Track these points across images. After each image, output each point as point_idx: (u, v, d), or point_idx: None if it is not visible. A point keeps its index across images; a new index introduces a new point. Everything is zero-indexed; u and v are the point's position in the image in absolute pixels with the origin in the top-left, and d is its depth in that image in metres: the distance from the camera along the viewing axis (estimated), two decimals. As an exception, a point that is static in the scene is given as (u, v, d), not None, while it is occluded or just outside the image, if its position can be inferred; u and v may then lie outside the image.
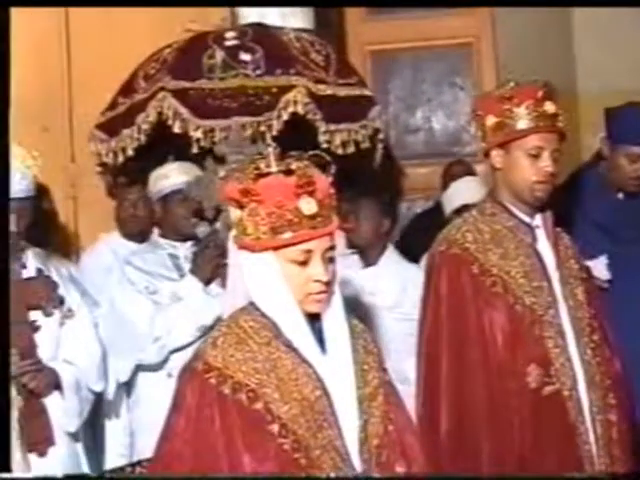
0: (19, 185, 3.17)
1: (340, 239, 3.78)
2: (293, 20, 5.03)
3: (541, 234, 2.82)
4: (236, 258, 2.44)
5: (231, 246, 3.11)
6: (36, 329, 3.17)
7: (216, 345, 2.24)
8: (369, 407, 2.27)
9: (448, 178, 4.72)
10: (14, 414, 3.03)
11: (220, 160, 3.66)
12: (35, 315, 3.18)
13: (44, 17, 4.43)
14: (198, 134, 3.68)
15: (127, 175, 4.03)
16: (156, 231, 3.80)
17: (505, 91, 2.79)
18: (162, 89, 3.76)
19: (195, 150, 3.69)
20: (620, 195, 3.36)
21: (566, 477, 2.68)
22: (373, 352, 2.38)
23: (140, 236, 3.97)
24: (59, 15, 4.52)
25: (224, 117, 3.69)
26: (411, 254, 3.96)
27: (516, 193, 2.79)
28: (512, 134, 2.76)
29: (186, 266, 3.66)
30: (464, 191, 4.35)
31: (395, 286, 3.79)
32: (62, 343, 3.23)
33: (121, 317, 3.53)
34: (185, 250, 3.70)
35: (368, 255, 3.88)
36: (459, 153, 5.40)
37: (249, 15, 4.75)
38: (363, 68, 5.29)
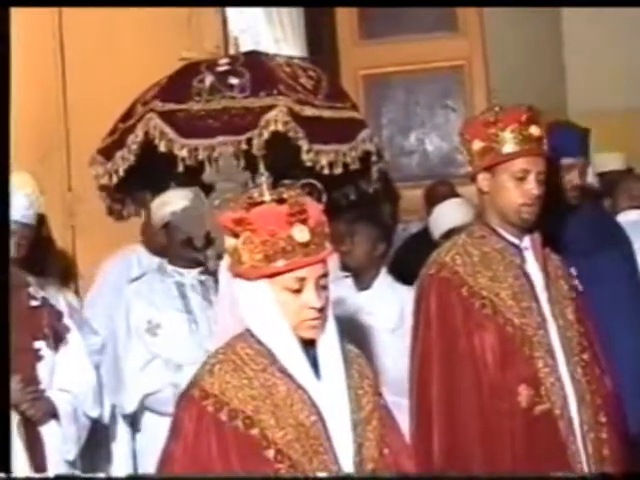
0: (25, 211, 3.23)
1: (335, 262, 3.82)
2: (285, 46, 5.10)
3: (529, 255, 2.85)
4: (225, 286, 2.49)
5: (221, 275, 3.17)
6: (39, 358, 3.21)
7: (213, 372, 2.29)
8: (364, 431, 2.31)
9: (433, 200, 4.77)
10: (19, 441, 3.09)
11: (208, 188, 3.71)
12: (39, 344, 3.22)
13: (39, 47, 4.49)
14: (183, 153, 3.75)
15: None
16: (165, 259, 3.83)
17: (490, 115, 2.83)
18: (151, 111, 3.84)
19: (180, 169, 3.75)
20: (566, 213, 3.37)
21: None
22: (368, 376, 2.42)
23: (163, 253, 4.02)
24: (54, 44, 4.57)
25: (208, 136, 3.77)
26: (404, 276, 3.99)
27: (503, 216, 2.84)
28: (498, 158, 2.80)
29: (192, 295, 3.68)
30: (449, 214, 4.41)
31: (393, 309, 3.82)
32: (56, 371, 3.26)
33: (118, 360, 3.58)
34: (191, 278, 3.72)
35: (362, 279, 3.90)
36: (453, 174, 5.46)
37: (243, 43, 4.82)
38: (356, 92, 5.36)
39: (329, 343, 2.32)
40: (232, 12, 4.79)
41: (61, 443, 3.19)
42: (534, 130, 2.82)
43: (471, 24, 5.73)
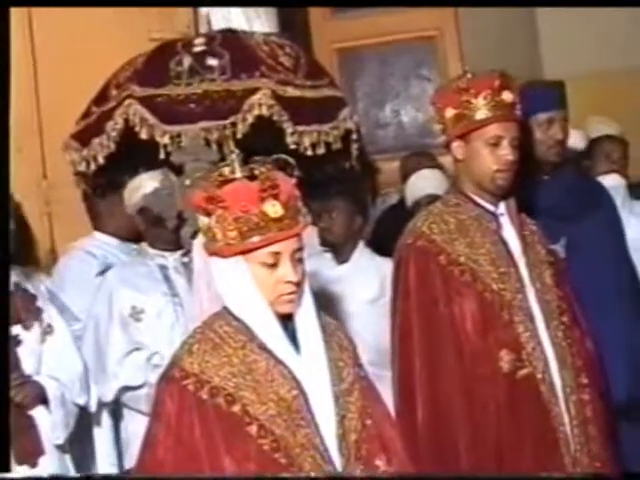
0: None
1: (314, 237, 3.82)
2: (258, 23, 5.05)
3: (506, 221, 2.85)
4: (200, 265, 2.48)
5: (195, 254, 3.15)
6: (18, 343, 3.20)
7: (192, 352, 2.28)
8: (345, 403, 2.32)
9: (408, 171, 4.77)
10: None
11: (178, 169, 3.68)
12: (16, 330, 3.20)
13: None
14: (165, 140, 3.69)
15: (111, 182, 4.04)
16: (144, 242, 3.79)
17: (462, 82, 2.82)
18: (129, 96, 3.79)
19: (162, 156, 3.71)
20: (545, 177, 3.34)
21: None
22: (348, 348, 2.42)
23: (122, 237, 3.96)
24: (23, 28, 4.52)
25: (190, 122, 3.70)
26: (382, 247, 4.00)
27: (478, 183, 2.83)
28: (471, 125, 2.80)
29: (175, 277, 3.64)
30: (421, 183, 4.41)
31: (372, 280, 3.82)
32: (44, 359, 3.25)
33: (99, 346, 3.56)
34: (174, 261, 3.68)
35: (341, 252, 3.90)
36: (430, 145, 5.42)
37: (214, 20, 4.78)
38: (330, 66, 5.31)
39: (307, 317, 2.32)
40: (202, -11, 4.75)
41: (50, 428, 3.19)
42: (507, 96, 2.81)
43: (442, -7, 5.70)
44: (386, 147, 5.62)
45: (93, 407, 3.44)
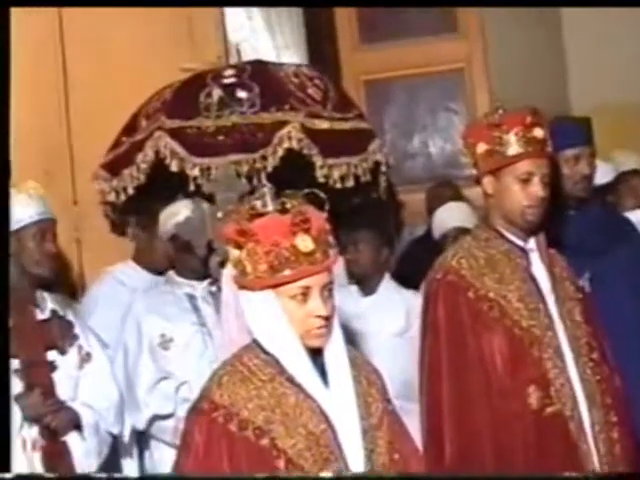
0: (40, 208, 3.27)
1: (340, 270, 3.82)
2: (287, 54, 5.11)
3: (535, 257, 2.85)
4: (230, 297, 2.49)
5: (224, 284, 3.16)
6: (54, 368, 3.23)
7: (221, 384, 2.29)
8: (374, 437, 2.32)
9: (436, 202, 4.77)
10: (36, 455, 3.11)
11: (209, 198, 3.69)
12: (52, 355, 3.24)
13: (41, 61, 4.49)
14: (195, 172, 3.73)
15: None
16: (172, 270, 3.79)
17: (494, 118, 2.83)
18: (159, 128, 3.82)
19: (192, 188, 3.74)
20: (572, 212, 3.34)
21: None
22: (376, 383, 2.42)
23: (155, 270, 3.98)
24: (56, 58, 4.56)
25: (220, 155, 3.74)
26: (409, 279, 4.00)
27: (508, 218, 2.84)
28: (502, 161, 2.80)
29: (204, 307, 3.65)
30: (448, 215, 4.42)
31: (399, 313, 3.83)
32: (81, 386, 3.29)
33: (129, 375, 3.57)
34: (202, 290, 3.68)
35: (367, 284, 3.91)
36: (457, 176, 5.45)
37: (243, 51, 4.82)
38: (358, 98, 5.36)
39: (336, 351, 2.32)
40: (232, 21, 4.80)
41: (83, 455, 3.21)
42: (538, 132, 2.82)
43: (471, 25, 5.72)
44: (413, 178, 5.63)
45: (127, 437, 3.45)
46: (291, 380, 2.28)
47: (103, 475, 3.22)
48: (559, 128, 3.16)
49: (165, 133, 3.80)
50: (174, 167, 3.75)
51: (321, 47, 5.34)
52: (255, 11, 4.92)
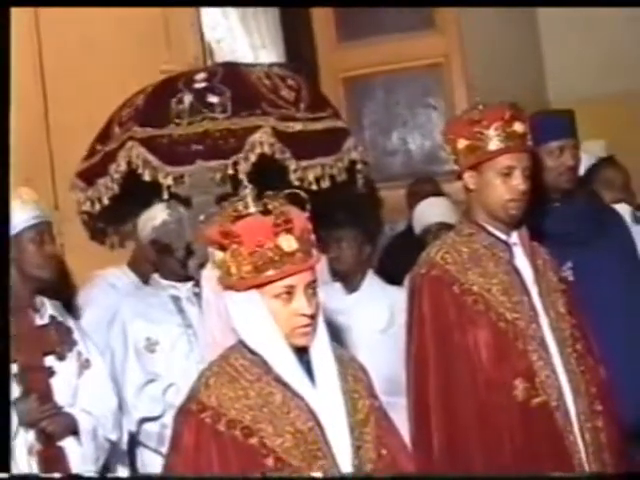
0: (35, 212, 3.27)
1: (324, 267, 3.83)
2: (264, 53, 5.10)
3: (518, 250, 2.87)
4: (212, 297, 2.50)
5: (204, 285, 3.17)
6: (52, 374, 3.23)
7: (209, 385, 2.31)
8: (361, 434, 2.34)
9: (416, 198, 4.78)
10: (33, 459, 3.12)
11: (185, 202, 3.69)
12: (50, 361, 3.24)
13: (19, 65, 4.44)
14: (169, 181, 3.71)
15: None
16: (156, 274, 3.80)
17: (474, 114, 2.84)
18: (130, 138, 3.80)
19: (166, 196, 3.72)
20: (557, 204, 3.35)
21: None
22: (362, 379, 2.44)
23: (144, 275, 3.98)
24: (34, 63, 4.55)
25: (192, 162, 3.70)
26: (391, 275, 4.02)
27: (491, 212, 2.85)
28: (483, 156, 2.82)
29: (188, 308, 3.66)
30: (429, 211, 4.44)
31: (382, 309, 3.84)
32: (80, 393, 3.28)
33: (116, 379, 3.56)
34: (186, 291, 3.70)
35: (350, 281, 3.93)
36: (437, 172, 5.48)
37: (221, 51, 4.81)
38: (337, 95, 5.37)
39: (321, 349, 2.34)
40: (207, 20, 4.79)
41: (80, 462, 3.21)
42: (518, 127, 2.83)
43: (448, 21, 5.75)
44: (393, 175, 5.66)
45: (125, 444, 3.45)
46: (278, 379, 2.30)
47: (95, 475, 3.26)
48: (543, 121, 3.19)
49: (137, 142, 3.77)
50: (147, 177, 3.73)
51: (299, 45, 5.34)
52: (231, 10, 4.92)
